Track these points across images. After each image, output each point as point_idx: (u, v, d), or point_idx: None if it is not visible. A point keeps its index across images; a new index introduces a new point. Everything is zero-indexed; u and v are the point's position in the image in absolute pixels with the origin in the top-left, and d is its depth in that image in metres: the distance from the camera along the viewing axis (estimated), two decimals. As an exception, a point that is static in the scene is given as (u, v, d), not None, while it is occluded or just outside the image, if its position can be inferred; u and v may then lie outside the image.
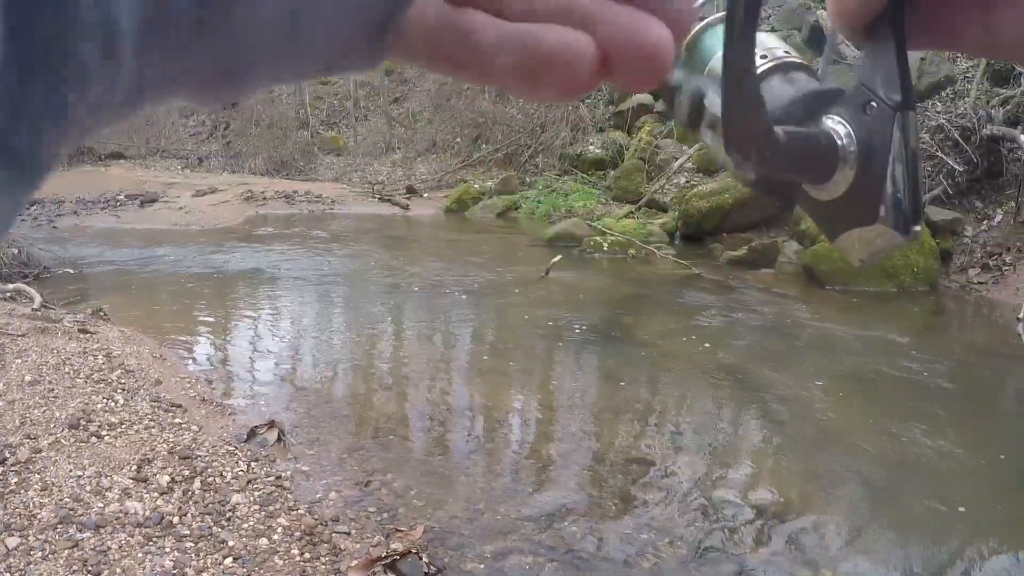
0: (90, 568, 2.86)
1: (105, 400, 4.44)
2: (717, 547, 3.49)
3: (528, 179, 17.52)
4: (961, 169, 9.79)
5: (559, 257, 9.67)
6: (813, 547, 3.54)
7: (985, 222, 9.72)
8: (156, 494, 3.44)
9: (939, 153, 10.06)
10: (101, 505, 3.25)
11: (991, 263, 9.25)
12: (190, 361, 5.66)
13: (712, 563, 3.37)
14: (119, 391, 4.58)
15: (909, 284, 9.04)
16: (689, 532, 3.60)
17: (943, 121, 10.41)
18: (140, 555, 2.98)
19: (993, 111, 10.03)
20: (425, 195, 17.89)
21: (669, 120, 15.94)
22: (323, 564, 3.13)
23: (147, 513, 3.27)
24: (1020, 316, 6.81)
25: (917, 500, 4.02)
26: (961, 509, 3.90)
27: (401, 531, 3.41)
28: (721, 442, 4.72)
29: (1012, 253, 9.18)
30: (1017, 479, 4.29)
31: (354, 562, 3.11)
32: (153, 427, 4.16)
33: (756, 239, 11.15)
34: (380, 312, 7.74)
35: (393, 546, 3.24)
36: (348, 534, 3.38)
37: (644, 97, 17.18)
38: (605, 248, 11.34)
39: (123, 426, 4.10)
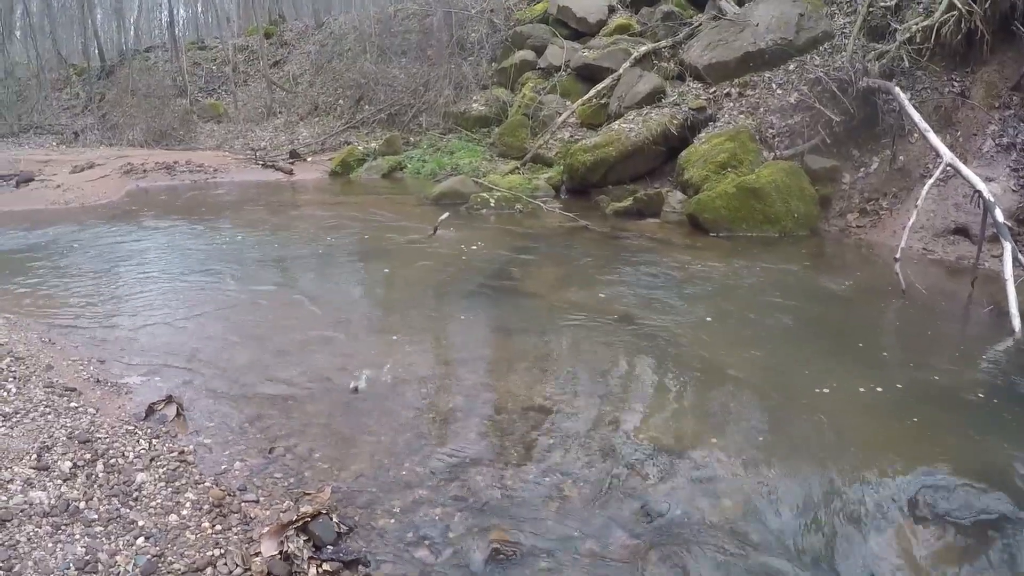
0: (1, 564, 2.81)
1: (-4, 390, 4.30)
2: (620, 485, 3.66)
3: (412, 139, 17.59)
4: (839, 119, 10.26)
5: (446, 215, 9.77)
6: (711, 478, 3.74)
7: (862, 169, 10.22)
8: (60, 481, 3.38)
9: (817, 104, 10.52)
10: (5, 498, 3.17)
11: (868, 208, 9.78)
12: (81, 343, 5.47)
13: (616, 500, 3.54)
14: (10, 379, 4.43)
15: (791, 229, 9.54)
16: (591, 472, 3.76)
17: (821, 74, 10.87)
18: (50, 545, 2.95)
19: (869, 64, 10.43)
20: (309, 159, 17.76)
21: (552, 76, 16.08)
22: (235, 534, 3.17)
23: (52, 501, 3.22)
24: (897, 256, 7.19)
25: (805, 429, 4.27)
26: (845, 434, 4.17)
27: (309, 494, 3.47)
28: (616, 385, 4.89)
29: (888, 198, 9.71)
30: (894, 405, 4.59)
31: (265, 529, 3.15)
32: (49, 413, 4.06)
33: (641, 190, 11.48)
34: (270, 279, 7.65)
35: (303, 509, 3.30)
36: (257, 502, 3.43)
37: (527, 54, 17.29)
38: (492, 204, 11.47)
39: (18, 415, 3.99)
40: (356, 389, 4.58)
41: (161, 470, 3.63)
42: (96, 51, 27.68)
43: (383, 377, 4.89)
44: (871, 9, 11.42)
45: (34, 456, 3.56)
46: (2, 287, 7.05)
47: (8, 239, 9.47)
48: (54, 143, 22.22)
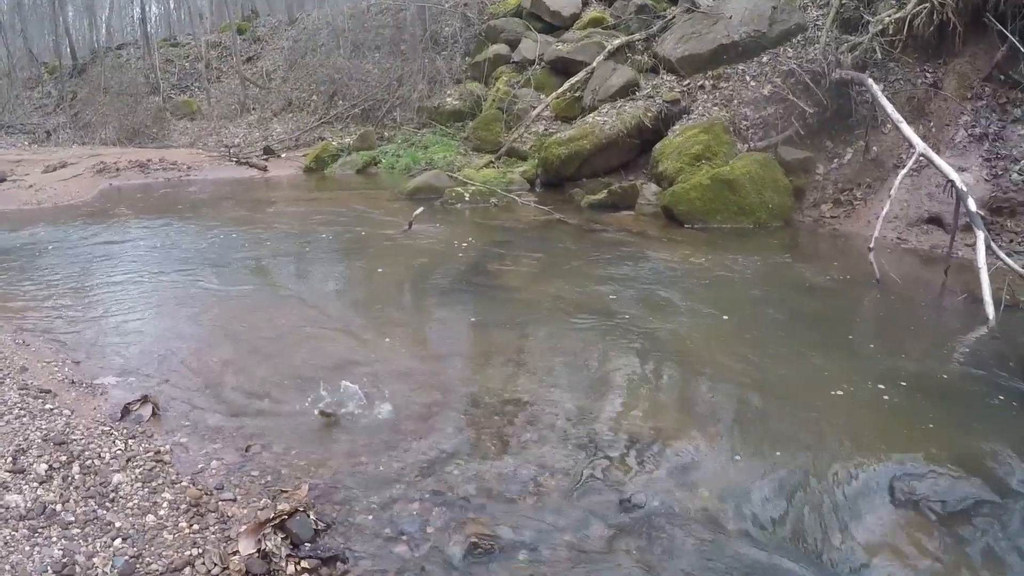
0: (-22, 569, 2.79)
1: (-31, 394, 4.25)
2: (597, 477, 3.68)
3: (387, 134, 17.57)
4: (812, 111, 10.35)
5: (421, 209, 9.80)
6: (689, 470, 3.76)
7: (836, 160, 10.30)
8: (36, 484, 3.36)
9: (791, 96, 10.60)
10: (-20, 503, 3.16)
11: (842, 198, 9.88)
12: (55, 344, 5.42)
13: (594, 492, 3.56)
14: (-17, 383, 4.40)
15: (765, 220, 9.63)
16: (569, 465, 3.78)
17: (795, 66, 10.95)
18: (27, 548, 2.93)
19: (842, 56, 10.51)
20: (283, 155, 17.65)
21: (526, 69, 16.09)
22: (212, 533, 3.17)
23: (29, 504, 3.20)
24: (871, 246, 7.27)
25: (783, 420, 4.30)
26: (824, 424, 4.20)
27: (286, 491, 3.47)
28: (592, 378, 4.92)
29: (862, 189, 9.80)
30: (873, 396, 4.62)
31: (243, 527, 3.14)
32: (24, 416, 4.02)
33: (615, 183, 11.53)
34: (245, 276, 7.59)
35: (280, 507, 3.29)
36: (234, 500, 3.42)
37: (501, 48, 17.30)
38: (467, 198, 11.51)
39: (-8, 418, 3.96)
40: (323, 413, 4.33)
41: (138, 470, 3.62)
42: (68, 49, 27.37)
43: (356, 375, 4.87)
44: (844, 1, 11.51)
45: (9, 459, 3.53)
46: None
47: (-20, 241, 9.35)
48: (26, 142, 21.97)
